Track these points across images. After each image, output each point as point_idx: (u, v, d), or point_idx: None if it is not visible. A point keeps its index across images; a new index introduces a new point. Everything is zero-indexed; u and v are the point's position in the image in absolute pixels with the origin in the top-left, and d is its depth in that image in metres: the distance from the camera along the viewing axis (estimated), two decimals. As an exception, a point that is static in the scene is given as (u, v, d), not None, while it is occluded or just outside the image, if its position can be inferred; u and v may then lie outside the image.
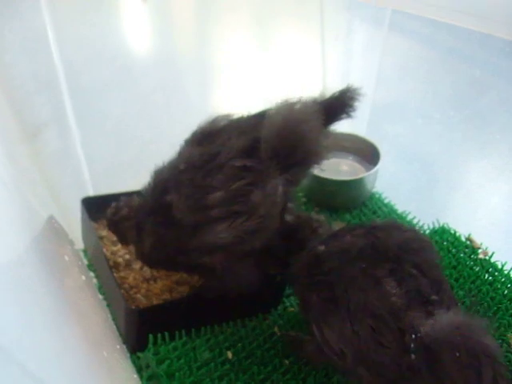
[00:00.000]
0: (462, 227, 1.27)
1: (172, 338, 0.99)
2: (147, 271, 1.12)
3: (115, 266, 1.12)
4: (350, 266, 0.85)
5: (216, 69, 2.27)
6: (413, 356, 0.74)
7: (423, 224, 1.35)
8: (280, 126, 0.91)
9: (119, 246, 1.17)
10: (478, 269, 1.18)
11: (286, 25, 2.52)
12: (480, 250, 1.21)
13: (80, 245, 1.23)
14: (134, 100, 1.86)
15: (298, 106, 0.95)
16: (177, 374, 0.93)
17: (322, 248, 0.91)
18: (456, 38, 2.08)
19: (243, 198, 0.89)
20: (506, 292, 1.13)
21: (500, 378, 0.71)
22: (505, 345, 1.02)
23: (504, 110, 1.83)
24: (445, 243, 1.24)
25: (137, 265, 1.13)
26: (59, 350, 0.68)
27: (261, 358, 0.99)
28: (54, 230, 1.07)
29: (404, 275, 0.82)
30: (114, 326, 1.05)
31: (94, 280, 1.17)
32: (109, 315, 1.08)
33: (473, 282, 1.15)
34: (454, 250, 1.22)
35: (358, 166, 1.49)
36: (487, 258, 1.20)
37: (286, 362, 0.99)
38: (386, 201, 1.45)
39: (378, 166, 1.38)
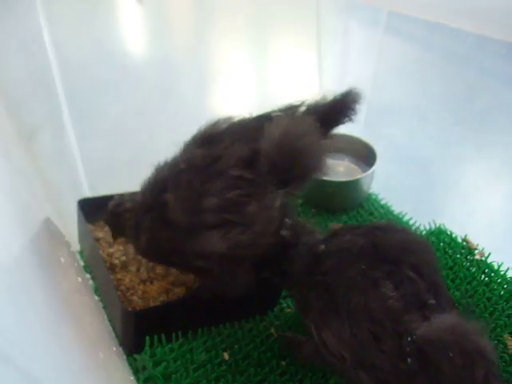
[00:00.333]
0: (458, 228, 1.27)
1: (169, 340, 0.99)
2: (144, 273, 1.11)
3: (111, 268, 1.12)
4: (350, 266, 0.85)
5: (213, 70, 2.28)
6: (409, 360, 0.74)
7: (420, 225, 1.35)
8: (279, 140, 0.91)
9: (116, 247, 1.17)
10: (474, 270, 1.18)
11: (283, 27, 2.53)
12: (476, 251, 1.21)
13: (76, 246, 1.23)
14: (131, 101, 1.86)
15: (297, 120, 0.95)
16: (173, 375, 0.92)
17: (322, 247, 0.91)
18: (452, 40, 2.09)
19: (238, 208, 0.89)
20: (502, 293, 1.13)
21: (492, 376, 0.71)
22: (501, 345, 1.02)
23: (499, 112, 1.84)
24: (441, 244, 1.24)
25: (133, 266, 1.13)
26: (55, 352, 0.68)
27: (258, 360, 0.99)
28: (50, 231, 1.07)
29: (402, 278, 0.82)
30: (111, 328, 1.05)
31: (90, 282, 1.17)
32: (105, 317, 1.08)
33: (469, 283, 1.15)
34: (450, 251, 1.22)
35: (354, 167, 1.49)
36: (483, 258, 1.20)
37: (283, 363, 0.99)
38: (382, 202, 1.45)
39: (374, 168, 1.38)
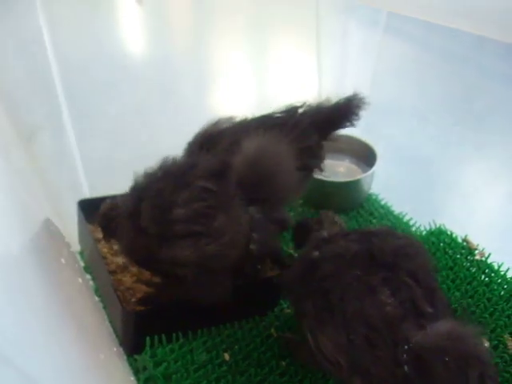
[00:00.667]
0: (458, 228, 1.27)
1: (169, 341, 0.99)
2: (144, 273, 1.11)
3: (112, 269, 1.12)
4: (345, 272, 0.84)
5: (212, 70, 2.28)
6: (406, 368, 0.74)
7: (420, 225, 1.35)
8: (251, 160, 0.92)
9: (116, 248, 1.17)
10: (474, 270, 1.18)
11: (282, 28, 2.53)
12: (476, 251, 1.21)
13: (76, 247, 1.23)
14: (131, 101, 1.86)
15: (273, 142, 0.95)
16: (174, 376, 0.92)
17: (316, 254, 0.90)
18: (451, 40, 2.09)
19: (204, 220, 0.89)
20: (502, 293, 1.13)
21: (487, 378, 0.71)
22: (501, 346, 1.02)
23: (498, 113, 1.84)
24: (441, 244, 1.24)
25: (133, 267, 1.13)
26: (55, 353, 0.68)
27: (258, 360, 0.99)
28: (50, 232, 1.06)
29: (399, 284, 0.82)
30: (111, 329, 1.05)
31: (91, 282, 1.17)
32: (105, 317, 1.08)
33: (469, 283, 1.15)
34: (450, 252, 1.22)
35: (354, 167, 1.49)
36: (484, 259, 1.20)
37: (283, 363, 0.99)
38: (382, 202, 1.45)
39: (374, 168, 1.38)
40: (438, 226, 1.30)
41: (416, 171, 1.65)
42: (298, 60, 2.26)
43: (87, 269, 1.19)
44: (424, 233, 1.31)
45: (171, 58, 2.31)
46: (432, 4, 2.02)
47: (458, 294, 1.13)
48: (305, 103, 1.11)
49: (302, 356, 0.96)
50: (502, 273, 1.16)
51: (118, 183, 1.11)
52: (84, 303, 1.01)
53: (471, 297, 1.12)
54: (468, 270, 1.18)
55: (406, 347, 0.75)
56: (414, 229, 1.35)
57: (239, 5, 2.67)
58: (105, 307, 1.11)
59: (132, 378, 0.95)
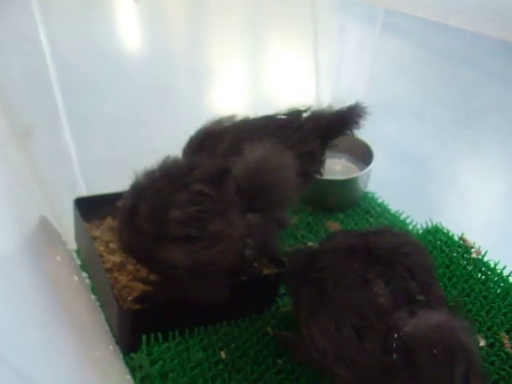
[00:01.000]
0: (455, 227, 1.27)
1: (165, 339, 0.99)
2: (141, 271, 1.11)
3: (108, 267, 1.12)
4: (342, 264, 0.85)
5: (209, 68, 2.27)
6: (394, 356, 0.75)
7: (416, 223, 1.35)
8: (253, 168, 0.91)
9: (112, 246, 1.17)
10: (470, 268, 1.18)
11: (279, 26, 2.52)
12: (473, 250, 1.22)
13: (73, 245, 1.23)
14: (127, 99, 1.86)
15: (276, 151, 0.94)
16: (170, 374, 0.92)
17: (316, 246, 0.92)
18: (447, 37, 2.09)
19: (199, 224, 0.89)
20: (498, 291, 1.13)
21: (472, 373, 0.71)
22: (497, 343, 1.02)
23: (495, 111, 1.84)
24: (438, 243, 1.24)
25: (130, 265, 1.13)
26: (51, 350, 0.68)
27: (254, 358, 0.99)
28: (46, 230, 1.06)
29: (393, 277, 0.82)
30: (107, 327, 1.05)
31: (87, 281, 1.17)
32: (102, 316, 1.08)
33: (466, 282, 1.15)
34: (447, 250, 1.23)
35: (351, 165, 1.49)
36: (480, 257, 1.20)
37: (280, 361, 0.99)
38: (379, 200, 1.45)
39: (371, 166, 1.38)
40: (434, 224, 1.30)
41: (413, 169, 1.65)
42: (295, 58, 2.26)
43: (83, 267, 1.19)
44: (421, 231, 1.31)
45: (168, 56, 2.31)
46: (429, 1, 2.02)
47: (454, 292, 1.13)
48: (309, 107, 1.11)
49: (298, 354, 0.97)
50: (499, 271, 1.16)
51: (114, 181, 1.11)
52: (80, 301, 1.01)
53: (468, 295, 1.12)
54: (464, 268, 1.18)
55: (395, 336, 0.75)
56: (410, 227, 1.35)
57: (236, 3, 2.67)
58: (101, 306, 1.11)
59: (128, 377, 0.95)
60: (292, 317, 1.08)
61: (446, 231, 1.27)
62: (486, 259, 1.19)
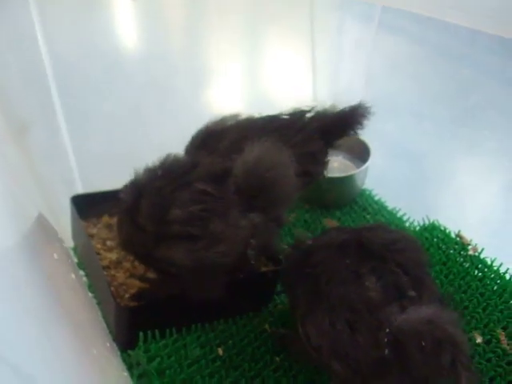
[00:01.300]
0: (451, 224, 1.28)
1: (162, 336, 0.99)
2: (138, 269, 1.11)
3: (105, 264, 1.12)
4: (334, 260, 0.85)
5: (207, 66, 2.27)
6: (386, 351, 0.75)
7: (413, 221, 1.35)
8: (251, 167, 0.91)
9: (109, 243, 1.17)
10: (467, 265, 1.18)
11: (278, 24, 2.52)
12: (470, 247, 1.22)
13: (70, 243, 1.23)
14: (125, 97, 1.85)
15: (275, 149, 0.94)
16: (167, 371, 0.92)
17: (309, 242, 0.92)
18: (445, 34, 2.09)
19: (200, 223, 0.89)
20: (495, 288, 1.13)
21: (460, 363, 0.71)
22: (494, 340, 1.03)
23: (492, 108, 1.84)
24: (435, 240, 1.25)
25: (127, 263, 1.13)
26: (48, 348, 0.68)
27: (251, 355, 0.99)
28: (42, 227, 1.06)
29: (386, 272, 0.83)
30: (104, 324, 1.05)
31: (84, 278, 1.17)
32: (99, 313, 1.08)
33: (462, 278, 1.15)
34: (443, 247, 1.23)
35: (348, 163, 1.49)
36: (477, 254, 1.20)
37: (277, 358, 0.99)
38: (376, 198, 1.45)
39: (368, 163, 1.39)
40: (431, 221, 1.30)
41: (410, 167, 1.65)
42: (292, 56, 2.26)
43: (80, 265, 1.19)
44: (417, 228, 1.31)
45: (166, 55, 2.31)
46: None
47: (451, 289, 1.13)
48: (313, 108, 1.10)
49: (295, 351, 0.97)
50: (495, 268, 1.17)
51: (111, 179, 1.11)
52: (77, 299, 1.01)
53: (464, 292, 1.13)
54: (461, 265, 1.19)
55: (387, 330, 0.75)
56: (407, 224, 1.35)
57: (234, 1, 2.66)
58: (98, 303, 1.11)
59: (126, 374, 0.95)
60: (289, 314, 1.08)
61: (442, 228, 1.27)
62: (482, 256, 1.20)
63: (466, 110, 1.85)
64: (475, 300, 1.10)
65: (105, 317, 1.06)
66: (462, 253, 1.21)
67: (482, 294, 1.12)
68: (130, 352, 0.97)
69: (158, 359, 0.94)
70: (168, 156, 0.97)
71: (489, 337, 1.03)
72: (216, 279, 0.94)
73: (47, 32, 1.95)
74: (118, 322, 0.98)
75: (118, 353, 0.99)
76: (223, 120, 1.05)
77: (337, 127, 1.09)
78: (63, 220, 1.21)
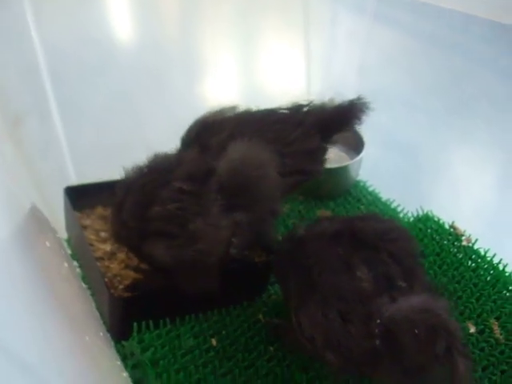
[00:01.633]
0: (445, 215, 1.28)
1: (156, 326, 0.99)
2: (132, 260, 1.11)
3: (99, 255, 1.12)
4: (327, 250, 0.86)
5: (201, 57, 2.26)
6: (377, 341, 0.75)
7: (407, 212, 1.35)
8: (234, 166, 0.91)
9: (103, 235, 1.16)
10: (461, 256, 1.19)
11: (271, 16, 2.51)
12: (463, 237, 1.22)
13: (63, 234, 1.23)
14: (119, 88, 1.85)
15: (258, 149, 0.94)
16: (161, 361, 0.92)
17: (301, 232, 0.92)
18: (438, 23, 2.09)
19: (178, 221, 0.89)
20: (488, 278, 1.14)
21: (455, 350, 0.72)
22: (487, 330, 1.03)
23: (486, 99, 1.84)
24: (429, 231, 1.25)
25: (121, 254, 1.12)
26: (41, 338, 0.68)
27: (245, 345, 0.99)
28: (36, 219, 1.06)
29: (377, 262, 0.83)
30: (98, 315, 1.05)
31: (78, 270, 1.16)
32: (93, 304, 1.08)
33: (456, 269, 1.16)
34: (437, 238, 1.23)
35: (342, 154, 1.49)
36: (470, 244, 1.21)
37: (271, 348, 0.99)
38: (370, 189, 1.46)
39: (362, 154, 1.39)
40: (425, 212, 1.30)
41: (404, 158, 1.65)
42: (286, 48, 2.26)
43: (74, 256, 1.19)
44: (411, 219, 1.31)
45: (160, 46, 2.30)
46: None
47: (444, 279, 1.14)
48: (311, 102, 1.09)
49: (289, 341, 0.97)
50: (489, 258, 1.17)
51: (105, 170, 1.11)
52: (71, 290, 1.01)
53: (458, 282, 1.13)
54: (455, 255, 1.19)
55: (378, 321, 0.76)
56: (401, 215, 1.36)
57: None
58: (92, 294, 1.11)
59: (119, 363, 0.95)
60: (283, 304, 1.08)
61: (436, 219, 1.27)
62: (476, 247, 1.20)
63: (459, 100, 1.85)
64: (469, 290, 1.11)
65: (99, 308, 1.06)
66: (455, 243, 1.21)
67: (475, 285, 1.12)
68: (123, 342, 0.97)
69: (152, 349, 0.94)
70: (158, 154, 0.97)
71: (482, 327, 1.04)
72: (205, 270, 0.94)
73: (40, 23, 1.94)
74: (111, 313, 0.98)
75: (112, 343, 0.99)
76: (221, 112, 1.05)
77: (335, 122, 1.08)
78: (57, 211, 1.20)
